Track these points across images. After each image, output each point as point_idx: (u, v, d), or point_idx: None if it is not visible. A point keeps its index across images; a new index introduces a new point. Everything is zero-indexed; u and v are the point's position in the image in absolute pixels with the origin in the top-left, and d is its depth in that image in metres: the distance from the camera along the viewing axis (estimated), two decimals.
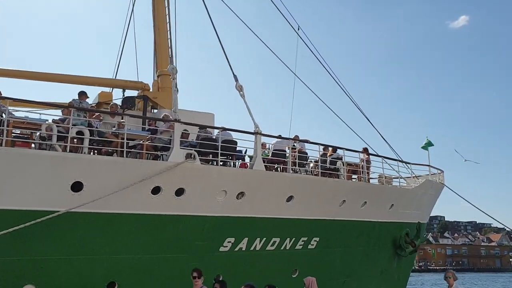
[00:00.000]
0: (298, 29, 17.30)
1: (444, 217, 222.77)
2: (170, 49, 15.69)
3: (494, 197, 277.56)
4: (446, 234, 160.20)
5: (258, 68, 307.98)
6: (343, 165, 13.06)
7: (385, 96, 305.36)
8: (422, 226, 16.19)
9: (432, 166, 16.72)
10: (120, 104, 14.71)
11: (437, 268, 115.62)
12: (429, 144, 17.40)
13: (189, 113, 13.87)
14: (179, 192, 9.94)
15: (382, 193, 14.32)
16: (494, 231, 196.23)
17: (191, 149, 10.30)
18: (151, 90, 15.72)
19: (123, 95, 16.24)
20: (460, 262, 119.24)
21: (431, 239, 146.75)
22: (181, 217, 10.08)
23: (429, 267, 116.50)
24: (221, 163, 10.78)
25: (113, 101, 14.59)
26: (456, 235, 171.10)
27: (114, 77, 18.01)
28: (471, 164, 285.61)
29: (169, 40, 16.05)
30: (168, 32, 16.11)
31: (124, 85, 16.42)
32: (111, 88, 17.02)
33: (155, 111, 15.57)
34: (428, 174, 16.91)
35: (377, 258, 14.93)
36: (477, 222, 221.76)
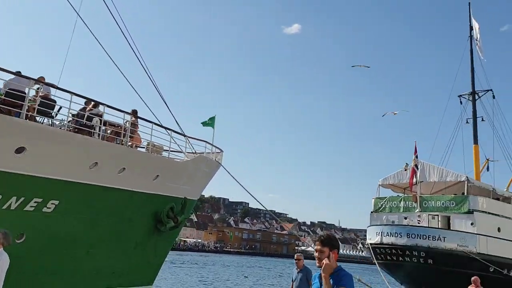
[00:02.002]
0: None
1: (248, 203, 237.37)
2: None
3: (295, 191, 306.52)
4: (246, 220, 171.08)
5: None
6: (101, 123, 11.59)
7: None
8: (189, 202, 15.60)
9: (210, 143, 16.29)
10: None
11: (232, 250, 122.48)
12: (212, 122, 17.00)
13: None
14: None
15: (145, 161, 13.24)
16: (288, 221, 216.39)
17: None
18: None
19: None
20: (253, 246, 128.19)
21: (232, 222, 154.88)
22: None
23: (224, 249, 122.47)
24: None
25: None
26: (255, 221, 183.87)
27: None
28: (276, 160, 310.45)
29: None
30: None
31: None
32: None
33: None
34: (211, 152, 16.52)
35: (133, 230, 13.82)
36: (276, 211, 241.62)
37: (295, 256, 10.48)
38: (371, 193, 29.70)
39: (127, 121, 12.51)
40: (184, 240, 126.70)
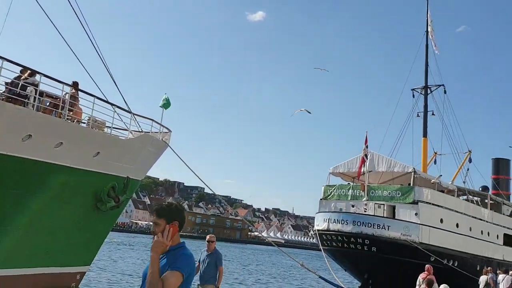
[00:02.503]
0: None
1: (204, 188, 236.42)
2: None
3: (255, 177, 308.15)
4: (200, 204, 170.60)
5: None
6: (36, 93, 10.92)
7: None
8: (132, 182, 15.10)
9: (157, 122, 15.76)
10: None
11: (184, 234, 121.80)
12: (167, 104, 16.47)
13: None
14: None
15: (85, 137, 12.65)
16: (243, 207, 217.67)
17: None
18: None
19: None
20: (206, 231, 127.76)
21: (186, 207, 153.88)
22: None
23: None
24: None
25: None
26: (209, 206, 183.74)
27: None
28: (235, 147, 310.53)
29: None
30: None
31: None
32: None
33: None
34: (158, 132, 16.00)
35: (70, 208, 13.22)
36: (231, 197, 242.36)
37: (208, 237, 10.04)
38: (323, 181, 29.95)
39: (66, 93, 11.87)
40: (136, 223, 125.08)
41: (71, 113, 12.41)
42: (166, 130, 16.92)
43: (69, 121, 12.28)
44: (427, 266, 14.21)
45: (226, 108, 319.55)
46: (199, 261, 9.75)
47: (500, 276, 19.89)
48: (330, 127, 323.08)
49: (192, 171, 16.72)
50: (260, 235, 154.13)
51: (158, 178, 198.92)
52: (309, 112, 32.78)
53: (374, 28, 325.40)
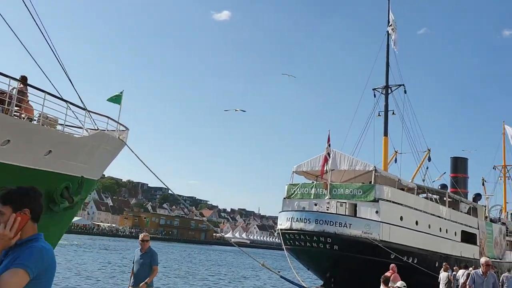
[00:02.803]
0: None
1: (168, 189, 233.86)
2: None
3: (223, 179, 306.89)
4: (164, 205, 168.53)
5: None
6: None
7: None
8: (87, 182, 14.56)
9: (114, 120, 15.27)
10: None
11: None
12: (118, 98, 16.01)
13: None
14: None
15: (35, 134, 12.07)
16: (209, 207, 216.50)
17: None
18: None
19: None
20: (170, 232, 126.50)
21: (150, 208, 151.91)
22: None
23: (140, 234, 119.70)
24: None
25: None
26: (174, 207, 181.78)
27: None
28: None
29: None
30: None
31: None
32: None
33: None
34: (116, 130, 15.51)
35: None
36: (196, 198, 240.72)
37: (141, 236, 9.65)
38: (288, 181, 29.94)
39: (13, 88, 11.29)
40: (98, 225, 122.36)
41: (20, 109, 11.82)
42: (124, 128, 16.42)
43: (16, 117, 11.69)
44: (391, 265, 14.35)
45: (192, 108, 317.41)
46: (133, 262, 9.43)
47: (460, 272, 20.27)
48: (296, 125, 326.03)
49: (150, 170, 16.29)
50: (224, 236, 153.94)
51: (121, 179, 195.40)
52: (244, 111, 33.79)
53: (338, 27, 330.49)
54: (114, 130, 15.59)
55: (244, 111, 33.03)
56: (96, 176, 15.93)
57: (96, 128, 15.08)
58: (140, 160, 15.65)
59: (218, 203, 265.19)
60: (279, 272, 20.98)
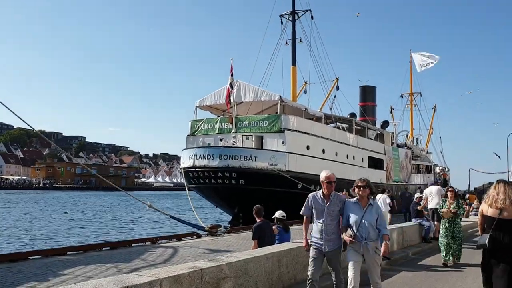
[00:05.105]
0: None
1: (85, 137, 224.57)
2: None
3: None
4: (81, 154, 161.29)
5: None
6: None
7: None
8: None
9: None
10: None
11: (63, 186, 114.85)
12: None
13: None
14: None
15: None
16: (129, 154, 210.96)
17: None
18: None
19: None
20: (88, 181, 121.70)
21: (65, 158, 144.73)
22: None
23: (54, 185, 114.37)
24: None
25: None
26: (91, 155, 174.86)
27: None
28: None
29: None
30: None
31: None
32: None
33: None
34: None
35: None
36: (116, 145, 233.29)
37: None
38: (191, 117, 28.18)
39: None
40: (6, 178, 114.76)
41: None
42: None
43: None
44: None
45: (100, 57, 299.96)
46: None
47: (378, 196, 20.01)
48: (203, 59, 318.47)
49: (10, 110, 13.75)
50: (148, 180, 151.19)
51: (33, 129, 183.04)
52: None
53: None
54: None
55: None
56: None
57: None
58: (3, 104, 13.03)
59: (139, 149, 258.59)
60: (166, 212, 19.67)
